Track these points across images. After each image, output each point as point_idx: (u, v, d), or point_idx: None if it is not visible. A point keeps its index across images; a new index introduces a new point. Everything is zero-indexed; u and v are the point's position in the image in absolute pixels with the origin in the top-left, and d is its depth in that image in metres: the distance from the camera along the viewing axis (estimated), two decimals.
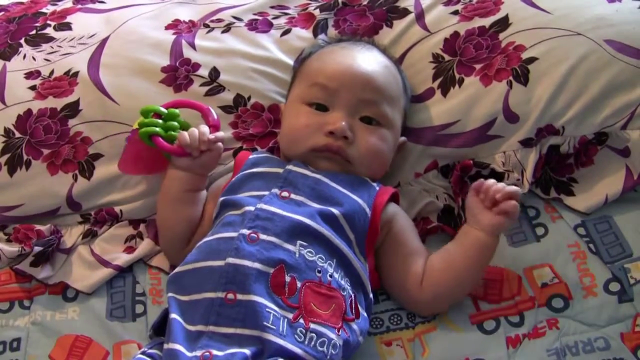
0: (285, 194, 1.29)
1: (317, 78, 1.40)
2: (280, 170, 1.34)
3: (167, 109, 1.43)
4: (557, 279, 1.36)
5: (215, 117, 1.43)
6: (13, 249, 1.45)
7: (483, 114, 1.46)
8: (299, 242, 1.23)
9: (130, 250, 1.47)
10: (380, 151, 1.38)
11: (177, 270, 1.26)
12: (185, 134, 1.37)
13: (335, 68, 1.40)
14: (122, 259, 1.45)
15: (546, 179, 1.47)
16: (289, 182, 1.31)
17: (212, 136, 1.38)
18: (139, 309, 1.41)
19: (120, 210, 1.51)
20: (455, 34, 1.54)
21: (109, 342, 1.37)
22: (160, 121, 1.41)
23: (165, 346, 1.17)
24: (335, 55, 1.45)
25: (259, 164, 1.38)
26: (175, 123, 1.41)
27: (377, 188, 1.36)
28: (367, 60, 1.43)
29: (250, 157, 1.42)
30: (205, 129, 1.39)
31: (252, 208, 1.26)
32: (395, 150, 1.44)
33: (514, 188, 1.29)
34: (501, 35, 1.51)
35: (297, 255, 1.21)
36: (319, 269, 1.22)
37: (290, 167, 1.34)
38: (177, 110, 1.43)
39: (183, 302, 1.21)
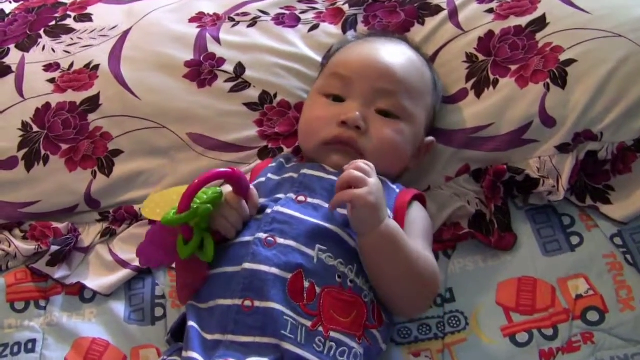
0: (301, 198, 1.25)
1: (337, 68, 1.38)
2: (295, 175, 1.30)
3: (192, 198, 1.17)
4: (592, 291, 1.32)
5: (246, 178, 1.23)
6: (29, 247, 1.43)
7: (518, 117, 1.42)
8: (317, 245, 1.18)
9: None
10: (394, 144, 1.33)
11: None
12: (230, 227, 1.21)
13: (355, 58, 1.38)
14: None
15: (581, 186, 1.42)
16: (305, 186, 1.27)
17: (253, 204, 1.25)
18: (159, 312, 1.38)
19: (140, 209, 1.47)
20: (490, 33, 1.50)
21: (126, 346, 1.33)
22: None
23: (184, 354, 1.13)
24: (358, 48, 1.42)
25: (274, 173, 1.34)
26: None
27: (398, 190, 1.31)
28: (390, 51, 1.39)
29: (266, 168, 1.37)
30: (245, 209, 1.22)
31: (268, 211, 1.22)
32: (423, 150, 1.41)
33: (344, 174, 1.17)
34: (538, 36, 1.46)
35: (315, 259, 1.17)
36: (339, 274, 1.18)
37: (305, 170, 1.30)
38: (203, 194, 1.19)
39: (200, 310, 1.17)
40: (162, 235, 1.19)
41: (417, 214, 1.30)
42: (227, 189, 1.22)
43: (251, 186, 1.25)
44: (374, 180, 1.17)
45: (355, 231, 1.19)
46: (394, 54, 1.38)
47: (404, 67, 1.36)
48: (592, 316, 1.30)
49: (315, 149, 1.33)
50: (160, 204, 1.22)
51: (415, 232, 1.27)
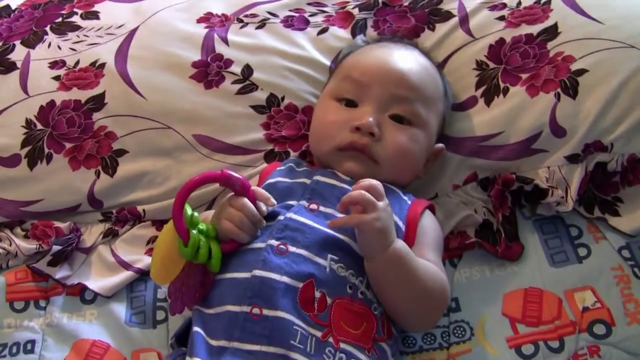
0: (313, 206, 1.23)
1: (350, 72, 1.36)
2: (308, 181, 1.28)
3: (183, 213, 1.14)
4: (599, 304, 1.31)
5: (240, 177, 1.19)
6: (30, 246, 1.42)
7: (528, 126, 1.41)
8: (329, 255, 1.16)
9: (152, 252, 1.41)
10: (409, 152, 1.31)
11: None
12: (236, 230, 1.18)
13: (370, 63, 1.36)
14: (144, 261, 1.40)
15: (590, 197, 1.41)
16: (317, 194, 1.25)
17: (262, 208, 1.22)
18: (160, 315, 1.36)
19: (144, 210, 1.46)
20: (501, 41, 1.48)
21: (127, 349, 1.32)
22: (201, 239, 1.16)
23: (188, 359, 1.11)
24: (372, 52, 1.41)
25: (284, 176, 1.32)
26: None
27: (409, 202, 1.30)
28: (404, 57, 1.38)
29: (275, 171, 1.35)
30: (248, 207, 1.19)
31: (280, 217, 1.20)
32: (432, 157, 1.39)
33: (355, 193, 1.14)
34: (549, 44, 1.45)
35: (327, 269, 1.15)
36: (350, 285, 1.16)
37: (317, 177, 1.28)
38: (196, 216, 1.17)
39: (207, 315, 1.15)
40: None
41: (428, 224, 1.29)
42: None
43: (256, 187, 1.23)
44: (382, 205, 1.14)
45: (362, 254, 1.17)
46: (409, 60, 1.37)
47: (418, 73, 1.35)
48: (599, 329, 1.28)
49: (328, 154, 1.32)
50: (159, 252, 1.20)
51: (427, 243, 1.26)
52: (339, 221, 1.15)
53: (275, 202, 1.23)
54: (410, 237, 1.24)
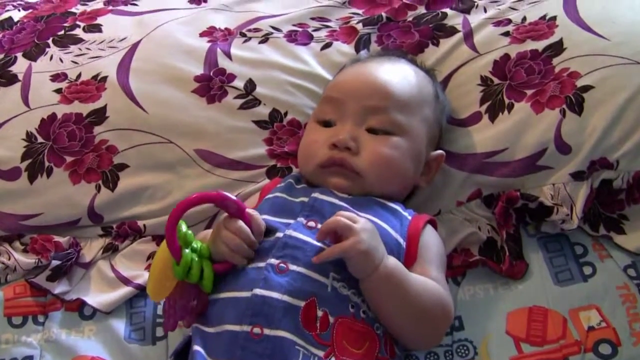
0: (311, 223, 1.21)
1: (329, 92, 1.37)
2: (306, 199, 1.27)
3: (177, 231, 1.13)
4: (604, 323, 1.29)
5: (235, 200, 1.17)
6: (29, 260, 1.40)
7: (533, 142, 1.39)
8: (331, 274, 1.15)
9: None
10: (390, 160, 1.30)
11: None
12: (231, 253, 1.16)
13: (345, 80, 1.38)
14: (144, 277, 1.39)
15: (595, 215, 1.39)
16: (316, 211, 1.24)
17: (258, 225, 1.20)
18: (160, 331, 1.34)
19: (144, 225, 1.45)
20: (506, 57, 1.47)
21: None
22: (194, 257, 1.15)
23: None
24: (350, 69, 1.42)
25: (283, 192, 1.31)
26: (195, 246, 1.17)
27: (410, 217, 1.29)
28: (381, 69, 1.37)
29: (275, 187, 1.35)
30: (244, 231, 1.17)
31: (279, 235, 1.19)
32: (433, 165, 1.38)
33: (329, 220, 1.15)
34: (555, 60, 1.44)
35: (330, 288, 1.14)
36: (352, 304, 1.15)
37: (316, 194, 1.27)
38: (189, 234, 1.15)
39: (207, 333, 1.14)
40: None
41: (430, 239, 1.28)
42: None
43: (252, 211, 1.21)
44: (360, 226, 1.13)
45: (356, 276, 1.15)
46: (386, 71, 1.37)
47: (395, 82, 1.34)
48: (605, 349, 1.26)
49: (313, 172, 1.32)
50: (155, 268, 1.19)
51: (429, 259, 1.24)
52: (323, 255, 1.14)
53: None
54: (411, 253, 1.23)
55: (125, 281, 1.39)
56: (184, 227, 1.13)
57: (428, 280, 1.20)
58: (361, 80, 1.35)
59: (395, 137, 1.31)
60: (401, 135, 1.32)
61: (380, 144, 1.30)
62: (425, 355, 1.28)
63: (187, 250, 1.12)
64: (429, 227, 1.30)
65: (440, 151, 1.39)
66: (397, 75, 1.37)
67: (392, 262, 1.16)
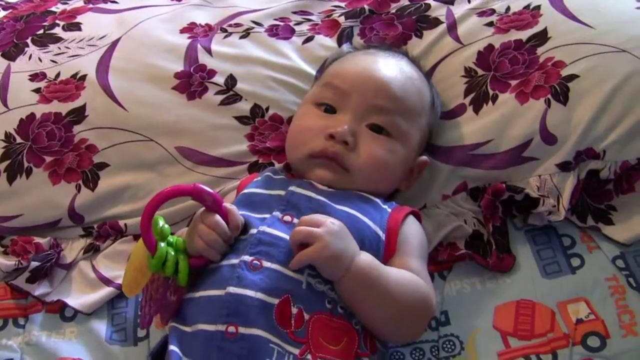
0: (287, 218, 1.19)
1: (332, 79, 1.34)
2: (283, 193, 1.25)
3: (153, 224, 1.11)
4: (593, 315, 1.28)
5: (212, 192, 1.15)
6: (9, 262, 1.39)
7: (518, 134, 1.38)
8: (307, 270, 1.13)
9: None
10: (384, 163, 1.28)
11: None
12: (206, 247, 1.14)
13: (351, 70, 1.34)
14: None
15: (583, 206, 1.38)
16: (292, 205, 1.22)
17: (233, 223, 1.17)
18: (141, 332, 1.33)
19: (125, 225, 1.43)
20: (490, 47, 1.46)
21: None
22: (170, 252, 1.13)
23: None
24: (355, 59, 1.39)
25: (260, 187, 1.29)
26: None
27: (389, 210, 1.27)
28: (388, 66, 1.35)
29: (251, 182, 1.32)
30: (220, 225, 1.15)
31: (254, 231, 1.17)
32: (415, 171, 1.36)
33: (293, 233, 1.12)
34: (539, 50, 1.43)
35: (304, 284, 1.12)
36: (329, 299, 1.13)
37: (293, 188, 1.25)
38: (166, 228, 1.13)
39: (184, 333, 1.12)
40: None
41: (410, 230, 1.25)
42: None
43: (230, 205, 1.19)
44: (324, 229, 1.11)
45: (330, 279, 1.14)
46: (392, 69, 1.34)
47: (402, 85, 1.32)
48: (593, 342, 1.26)
49: (300, 161, 1.30)
50: (131, 263, 1.19)
51: (409, 251, 1.22)
52: (293, 264, 1.12)
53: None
54: (391, 245, 1.21)
55: (107, 282, 1.38)
56: (160, 222, 1.12)
57: (407, 273, 1.18)
58: (369, 75, 1.32)
59: (394, 141, 1.30)
60: (399, 140, 1.30)
61: (378, 145, 1.28)
62: (411, 352, 1.27)
63: (162, 244, 1.11)
64: (411, 218, 1.27)
65: (424, 157, 1.37)
66: (404, 78, 1.34)
67: (365, 259, 1.14)
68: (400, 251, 1.20)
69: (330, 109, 1.30)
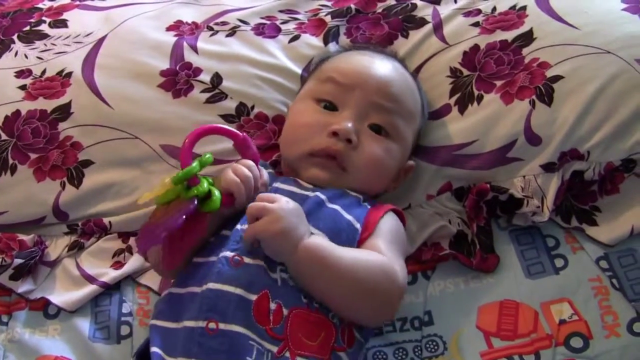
0: None
1: (332, 74, 1.33)
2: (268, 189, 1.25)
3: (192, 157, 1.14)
4: (576, 316, 1.28)
5: (254, 147, 1.22)
6: None
7: (503, 134, 1.38)
8: (278, 267, 1.12)
9: (118, 265, 1.39)
10: (382, 164, 1.29)
11: (163, 294, 1.19)
12: (239, 184, 1.17)
13: (353, 66, 1.34)
14: (109, 275, 1.37)
15: (567, 207, 1.38)
16: None
17: (265, 176, 1.23)
18: (125, 330, 1.33)
19: (110, 222, 1.43)
20: (476, 47, 1.46)
21: None
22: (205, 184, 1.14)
23: None
24: (354, 57, 1.39)
25: None
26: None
27: (369, 206, 1.26)
28: (387, 67, 1.35)
29: None
30: (256, 168, 1.21)
31: (238, 227, 1.17)
32: (402, 174, 1.37)
33: (247, 210, 1.13)
34: (524, 51, 1.43)
35: (279, 281, 1.12)
36: (305, 294, 1.12)
37: (277, 184, 1.25)
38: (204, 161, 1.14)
39: (166, 330, 1.12)
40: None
41: (386, 222, 1.24)
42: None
43: (261, 167, 1.22)
44: (276, 205, 1.10)
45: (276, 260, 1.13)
46: (391, 70, 1.35)
47: (400, 85, 1.33)
48: (576, 342, 1.26)
49: (298, 158, 1.29)
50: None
51: (379, 233, 1.21)
52: (245, 236, 1.12)
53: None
54: (365, 236, 1.20)
55: (90, 279, 1.37)
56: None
57: (364, 250, 1.17)
58: (370, 73, 1.32)
59: (392, 141, 1.30)
60: (396, 141, 1.31)
61: (378, 146, 1.28)
62: (394, 352, 1.27)
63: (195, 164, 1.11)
64: (390, 214, 1.27)
65: (411, 162, 1.38)
66: (402, 79, 1.35)
67: (316, 240, 1.13)
68: (371, 235, 1.19)
69: (330, 106, 1.30)
